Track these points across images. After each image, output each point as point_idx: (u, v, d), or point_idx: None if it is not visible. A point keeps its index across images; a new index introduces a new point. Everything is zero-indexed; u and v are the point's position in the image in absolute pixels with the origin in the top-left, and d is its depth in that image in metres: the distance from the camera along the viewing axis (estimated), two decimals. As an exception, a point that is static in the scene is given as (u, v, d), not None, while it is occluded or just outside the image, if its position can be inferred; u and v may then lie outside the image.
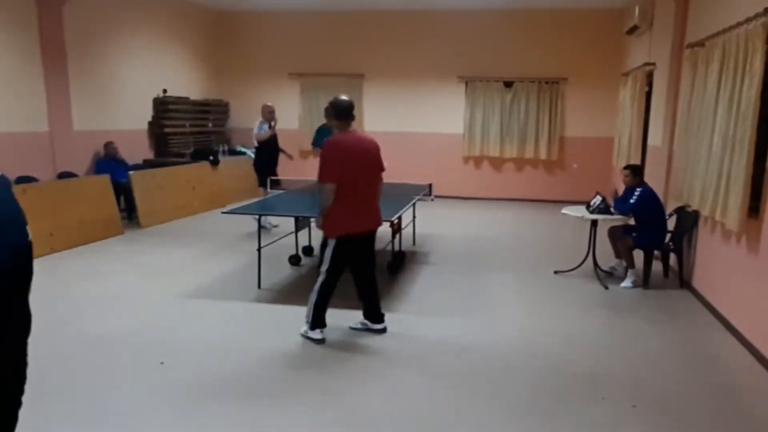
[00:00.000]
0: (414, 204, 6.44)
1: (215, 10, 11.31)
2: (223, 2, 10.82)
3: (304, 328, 4.16)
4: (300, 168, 11.56)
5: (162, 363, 3.72)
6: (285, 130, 11.44)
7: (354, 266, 4.19)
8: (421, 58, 11.03)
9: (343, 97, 4.00)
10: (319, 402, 3.31)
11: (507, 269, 6.19)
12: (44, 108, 7.37)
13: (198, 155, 9.83)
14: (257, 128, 8.02)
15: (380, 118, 11.32)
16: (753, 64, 4.14)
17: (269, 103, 8.19)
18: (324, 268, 4.04)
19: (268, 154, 8.16)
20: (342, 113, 3.96)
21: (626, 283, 5.59)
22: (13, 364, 2.01)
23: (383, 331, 4.27)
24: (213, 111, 11.25)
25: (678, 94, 6.36)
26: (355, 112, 4.06)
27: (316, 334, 4.11)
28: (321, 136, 6.98)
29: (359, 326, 4.31)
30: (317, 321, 4.10)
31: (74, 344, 4.02)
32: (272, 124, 8.06)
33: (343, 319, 4.47)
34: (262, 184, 8.07)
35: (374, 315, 4.29)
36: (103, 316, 4.62)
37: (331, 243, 3.99)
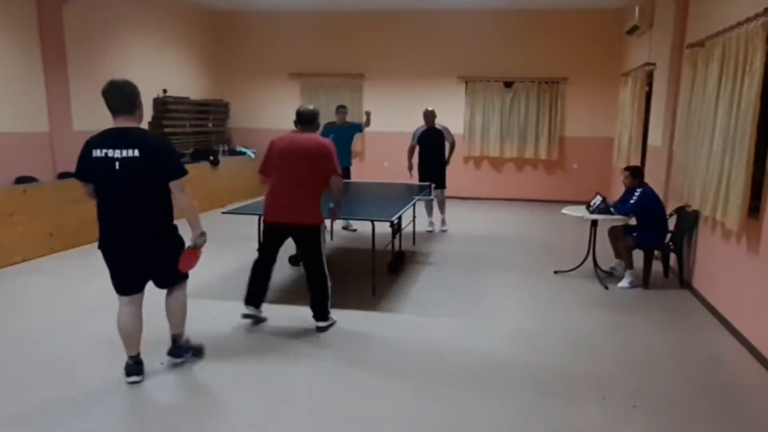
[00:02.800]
0: (414, 204, 6.44)
1: (215, 10, 11.31)
2: (223, 2, 10.81)
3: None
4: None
5: (162, 363, 3.72)
6: (285, 131, 11.46)
7: (302, 260, 4.40)
8: (421, 58, 11.03)
9: (307, 107, 4.41)
10: (318, 403, 3.31)
11: (507, 269, 6.19)
12: (44, 108, 7.36)
13: (198, 155, 9.83)
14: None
15: (380, 118, 11.29)
16: (753, 64, 4.14)
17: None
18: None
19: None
20: (299, 120, 4.38)
21: (623, 283, 5.59)
22: None
23: (317, 329, 4.32)
24: (213, 111, 11.24)
25: (678, 94, 6.36)
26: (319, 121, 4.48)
27: (244, 309, 4.37)
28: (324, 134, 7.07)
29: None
30: (247, 297, 4.38)
31: (75, 344, 4.03)
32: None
33: (345, 319, 4.48)
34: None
35: (313, 310, 4.37)
36: (103, 316, 4.61)
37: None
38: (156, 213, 3.34)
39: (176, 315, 3.61)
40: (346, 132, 7.71)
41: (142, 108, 3.33)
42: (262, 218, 4.43)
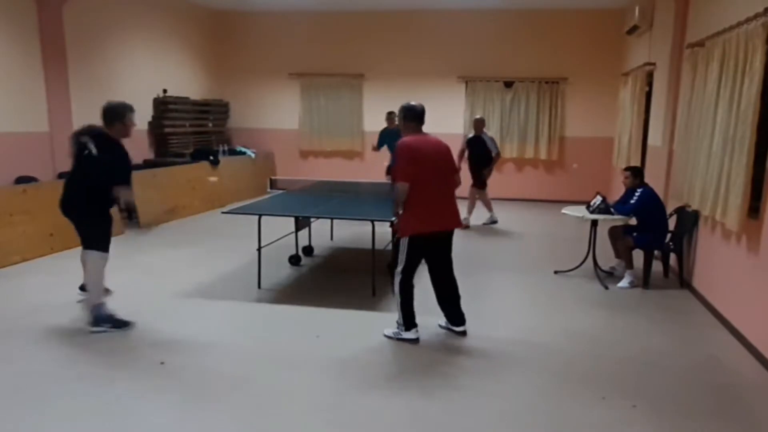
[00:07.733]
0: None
1: (215, 10, 11.31)
2: (223, 2, 10.82)
3: (392, 330, 4.21)
4: (300, 168, 11.56)
5: (162, 363, 3.72)
6: (285, 130, 11.48)
7: (432, 268, 4.20)
8: (421, 58, 11.03)
9: (414, 103, 4.19)
10: (318, 403, 3.32)
11: (507, 269, 6.19)
12: (44, 108, 7.37)
13: (198, 155, 9.83)
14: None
15: (380, 118, 11.29)
16: (753, 64, 4.14)
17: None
18: (399, 269, 4.08)
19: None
20: (416, 117, 4.16)
21: (623, 283, 5.59)
22: None
23: (463, 334, 4.27)
24: (213, 111, 11.24)
25: (678, 94, 6.36)
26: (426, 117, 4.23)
27: (410, 334, 4.15)
28: (388, 139, 7.94)
29: (443, 326, 4.37)
30: (408, 321, 4.14)
31: (75, 344, 4.02)
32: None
33: (345, 319, 4.48)
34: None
35: (455, 317, 4.29)
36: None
37: (404, 242, 4.03)
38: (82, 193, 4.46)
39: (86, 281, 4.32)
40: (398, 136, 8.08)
41: (120, 125, 4.58)
42: (410, 232, 3.99)
